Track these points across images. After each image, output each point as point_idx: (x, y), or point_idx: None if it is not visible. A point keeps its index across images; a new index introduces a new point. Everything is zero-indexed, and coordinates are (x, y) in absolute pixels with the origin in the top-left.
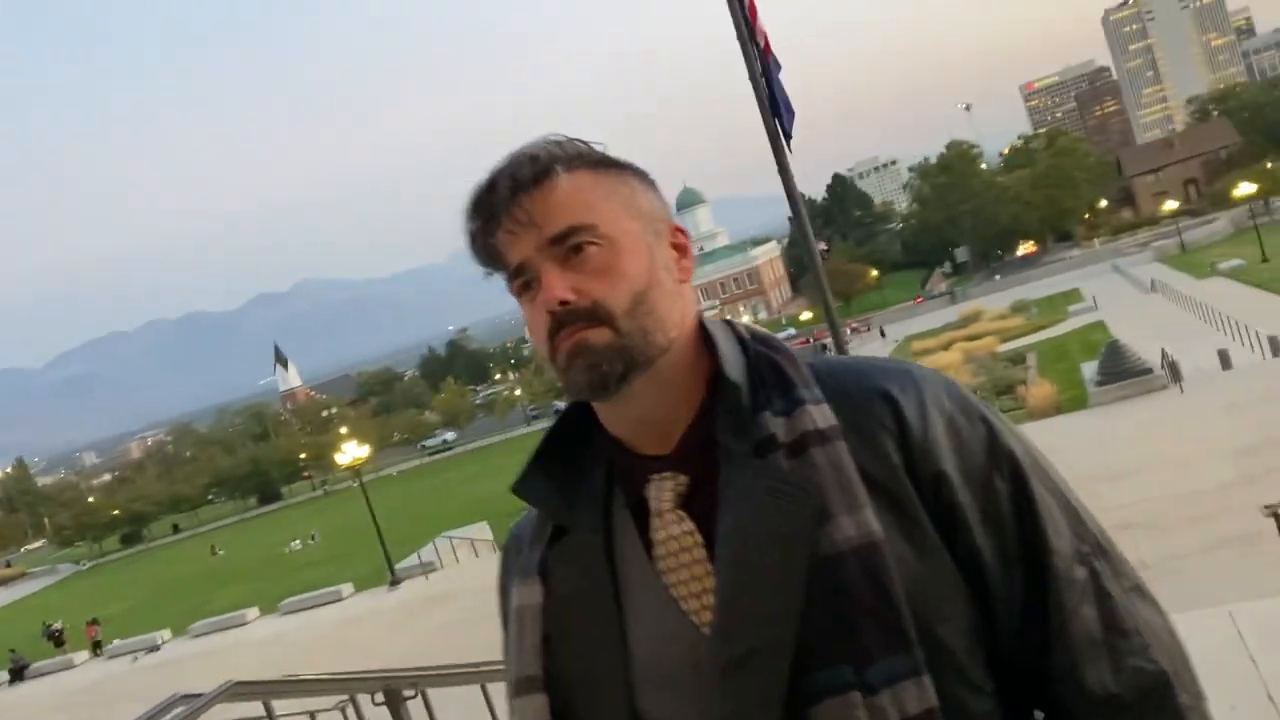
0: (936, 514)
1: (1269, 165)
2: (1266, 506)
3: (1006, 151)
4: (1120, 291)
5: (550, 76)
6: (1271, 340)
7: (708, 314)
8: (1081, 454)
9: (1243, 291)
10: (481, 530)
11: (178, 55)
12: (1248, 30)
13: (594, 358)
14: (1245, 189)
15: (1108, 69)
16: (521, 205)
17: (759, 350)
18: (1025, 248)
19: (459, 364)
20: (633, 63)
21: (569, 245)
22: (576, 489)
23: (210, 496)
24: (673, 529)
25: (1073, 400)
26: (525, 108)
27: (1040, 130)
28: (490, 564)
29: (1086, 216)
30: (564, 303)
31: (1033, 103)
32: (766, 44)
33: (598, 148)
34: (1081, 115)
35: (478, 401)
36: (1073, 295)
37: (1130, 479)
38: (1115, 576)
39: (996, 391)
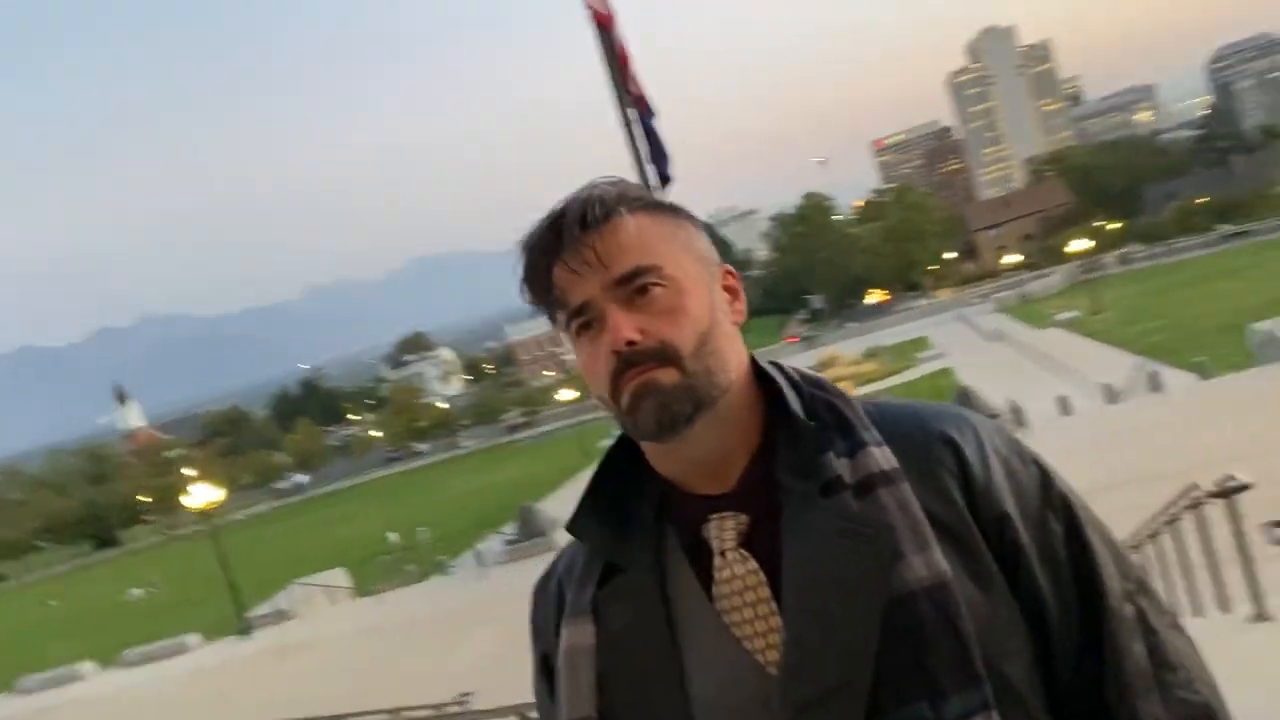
0: (999, 554)
1: (1099, 223)
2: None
3: (859, 204)
4: (966, 339)
5: (410, 116)
6: (1106, 388)
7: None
8: None
9: (1078, 341)
10: (338, 577)
11: None
12: (1076, 98)
13: (664, 397)
14: (1078, 245)
15: (951, 129)
16: (588, 244)
17: (814, 392)
18: (877, 296)
19: (312, 404)
20: (500, 112)
21: (635, 286)
22: (628, 528)
23: (39, 542)
24: (737, 568)
25: None
26: (387, 151)
27: (891, 185)
28: (350, 611)
29: (934, 268)
30: (631, 343)
31: (883, 158)
32: (640, 94)
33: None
34: (928, 172)
35: (333, 443)
36: (921, 343)
37: None
38: (1158, 613)
39: None
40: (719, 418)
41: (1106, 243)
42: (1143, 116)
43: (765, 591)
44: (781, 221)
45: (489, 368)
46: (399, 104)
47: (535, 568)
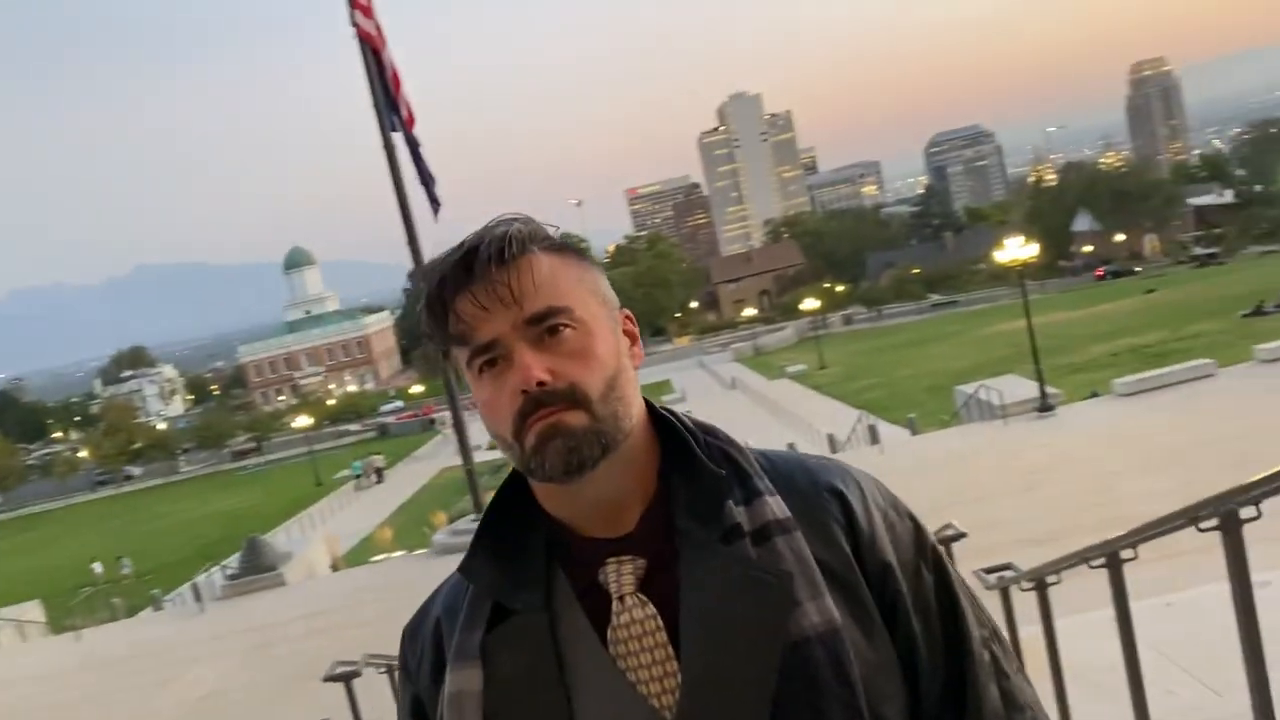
0: (881, 602)
1: (827, 285)
2: None
3: (612, 248)
4: (706, 386)
5: (168, 123)
6: (830, 437)
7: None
8: None
9: (805, 393)
10: (31, 610)
11: None
12: (812, 167)
13: (572, 440)
14: (809, 304)
15: (700, 185)
16: (500, 281)
17: (709, 440)
18: None
19: (9, 418)
20: (254, 116)
21: (545, 326)
22: (518, 570)
23: None
24: (635, 613)
25: None
26: (137, 155)
27: (642, 232)
28: (43, 649)
29: (678, 315)
30: (541, 383)
31: (636, 206)
32: (410, 116)
33: (553, 231)
34: (677, 223)
35: (31, 462)
36: (665, 386)
37: None
38: (1008, 659)
39: None
40: (620, 461)
41: (833, 303)
42: (869, 190)
43: (663, 636)
44: None
45: (216, 388)
46: (141, 92)
47: (261, 604)
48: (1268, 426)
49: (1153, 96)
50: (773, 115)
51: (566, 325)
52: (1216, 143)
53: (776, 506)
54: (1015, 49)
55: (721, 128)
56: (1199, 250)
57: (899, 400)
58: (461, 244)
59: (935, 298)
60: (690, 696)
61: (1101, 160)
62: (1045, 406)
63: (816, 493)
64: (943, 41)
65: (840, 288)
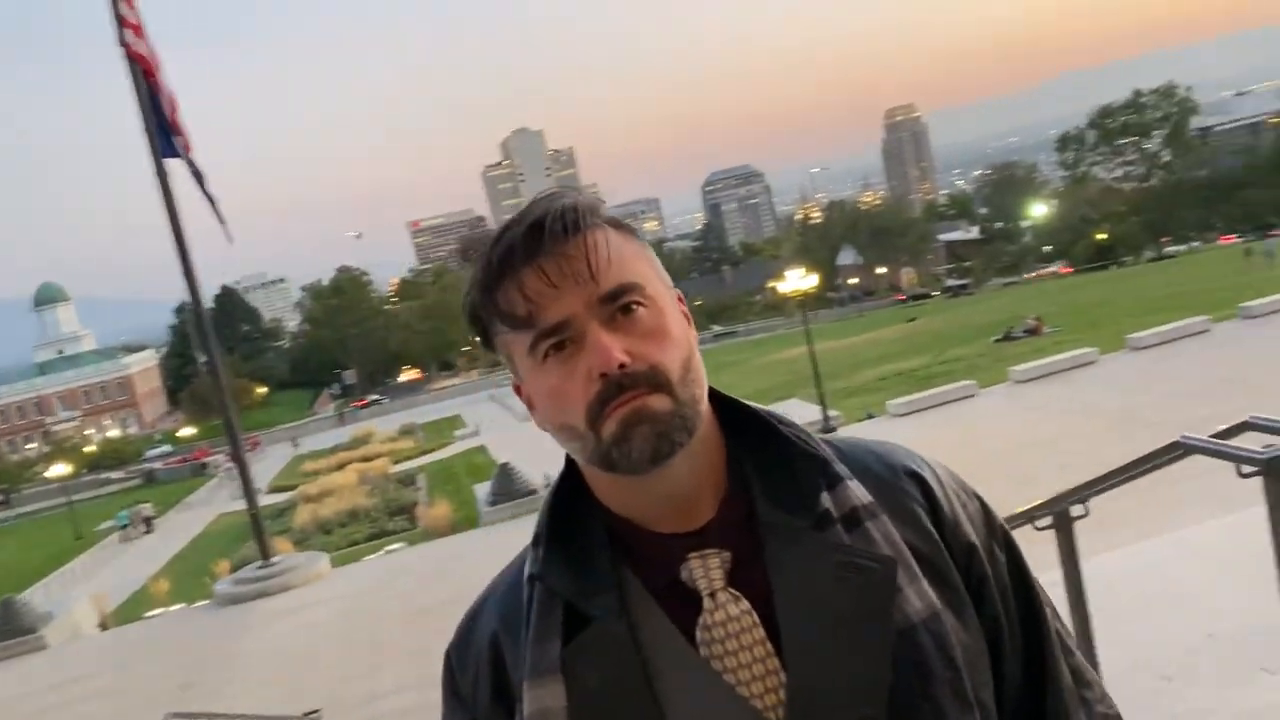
0: (967, 584)
1: None
2: None
3: (396, 282)
4: (499, 419)
5: None
6: None
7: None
8: (479, 569)
9: None
10: None
11: None
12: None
13: (660, 425)
14: None
15: (485, 219)
16: (573, 255)
17: (782, 427)
18: (410, 374)
19: None
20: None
21: (619, 305)
22: (587, 574)
23: None
24: (730, 609)
25: (467, 519)
26: None
27: (428, 265)
28: None
29: (467, 348)
30: (621, 366)
31: (419, 240)
32: (188, 142)
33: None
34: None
35: None
36: (456, 421)
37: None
38: (1069, 636)
39: (391, 512)
40: (695, 448)
41: None
42: (650, 225)
43: (761, 633)
44: (315, 292)
45: None
46: None
47: (17, 670)
48: (1029, 441)
49: (904, 140)
50: (556, 151)
51: (639, 304)
52: (961, 183)
53: (859, 492)
54: (783, 94)
55: (506, 162)
56: (951, 282)
57: None
58: (521, 217)
59: (717, 328)
60: (800, 695)
61: (861, 199)
62: (828, 428)
63: (895, 476)
64: (717, 87)
65: None
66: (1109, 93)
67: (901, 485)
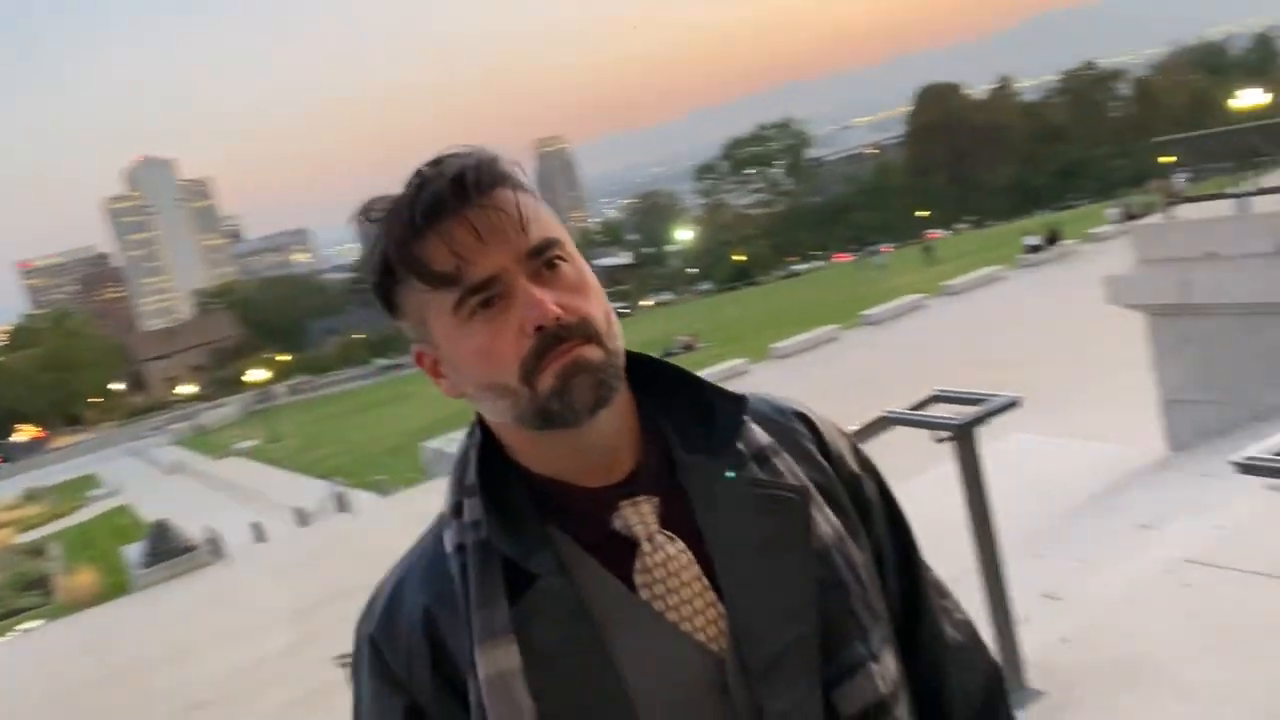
0: (856, 508)
1: (269, 355)
2: (338, 657)
3: (8, 329)
4: (142, 474)
5: None
6: (297, 511)
7: None
8: (138, 639)
9: (260, 469)
10: None
11: None
12: (237, 235)
13: (599, 373)
14: (254, 376)
15: (110, 255)
16: (498, 209)
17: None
18: (30, 432)
19: None
20: None
21: (545, 259)
22: (521, 534)
23: None
24: (668, 548)
25: (115, 586)
26: None
27: (44, 310)
28: None
29: (97, 400)
30: (556, 318)
31: (33, 282)
32: None
33: None
34: (85, 298)
35: None
36: (91, 480)
37: (195, 657)
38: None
39: (23, 587)
40: (615, 401)
41: (279, 374)
42: (300, 257)
43: (697, 569)
44: None
45: None
46: None
47: None
48: None
49: (556, 170)
50: (189, 181)
51: (562, 258)
52: (612, 211)
53: (761, 433)
54: (432, 124)
55: (132, 193)
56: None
57: (363, 464)
58: (437, 171)
59: (382, 361)
60: (740, 624)
61: None
62: None
63: (786, 418)
64: (361, 115)
65: (283, 357)
66: (739, 125)
67: (793, 425)
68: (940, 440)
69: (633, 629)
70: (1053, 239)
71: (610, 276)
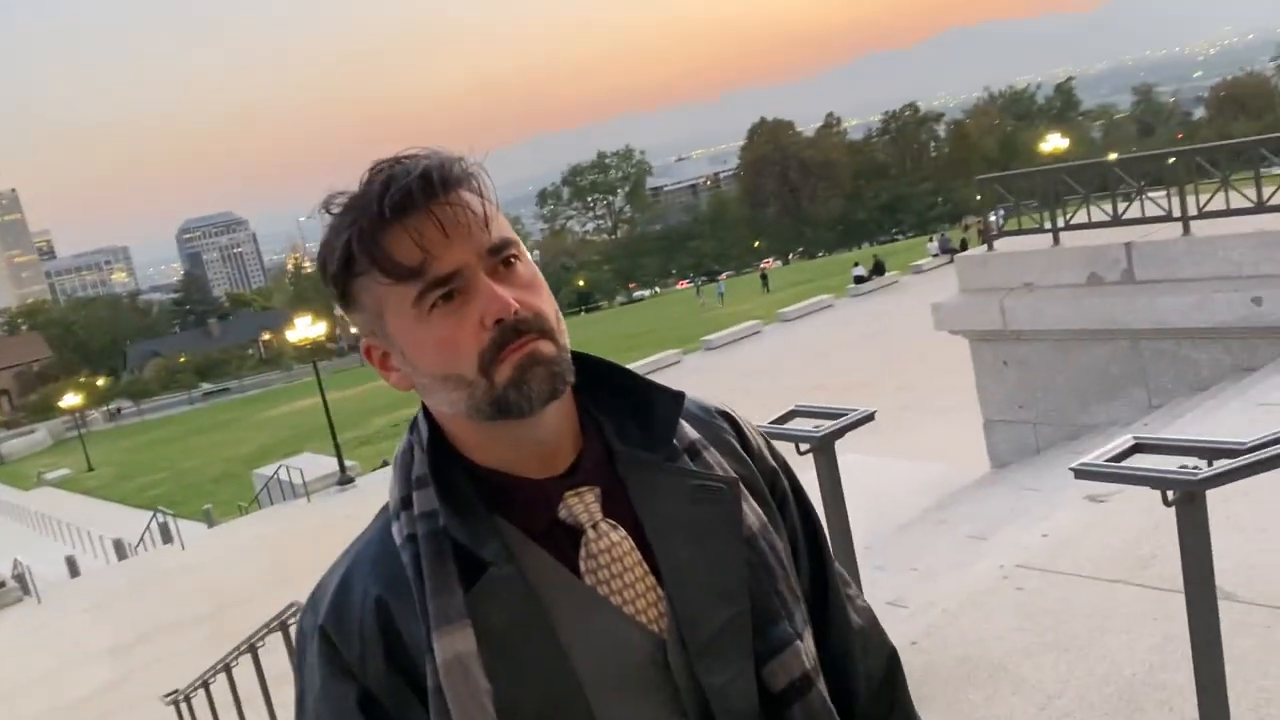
0: (774, 500)
1: (85, 379)
2: (167, 695)
3: None
4: None
5: None
6: (117, 543)
7: None
8: None
9: (75, 499)
10: None
11: None
12: (49, 252)
13: (554, 366)
14: (69, 400)
15: None
16: (463, 206)
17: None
18: None
19: None
20: None
21: (502, 257)
22: (471, 523)
23: None
24: (612, 535)
25: None
26: None
27: None
28: None
29: None
30: (515, 312)
31: None
32: None
33: None
34: None
35: None
36: None
37: (6, 700)
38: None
39: None
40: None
41: (95, 399)
42: (119, 276)
43: (638, 556)
44: None
45: None
46: None
47: None
48: None
49: None
50: None
51: (517, 257)
52: None
53: (690, 429)
54: (261, 142)
55: None
56: None
57: (189, 493)
58: (405, 168)
59: (206, 386)
60: (679, 605)
61: None
62: (346, 479)
63: (711, 416)
64: (190, 130)
65: (100, 381)
66: (581, 153)
67: (717, 423)
68: (804, 452)
69: (579, 613)
70: (879, 270)
71: None
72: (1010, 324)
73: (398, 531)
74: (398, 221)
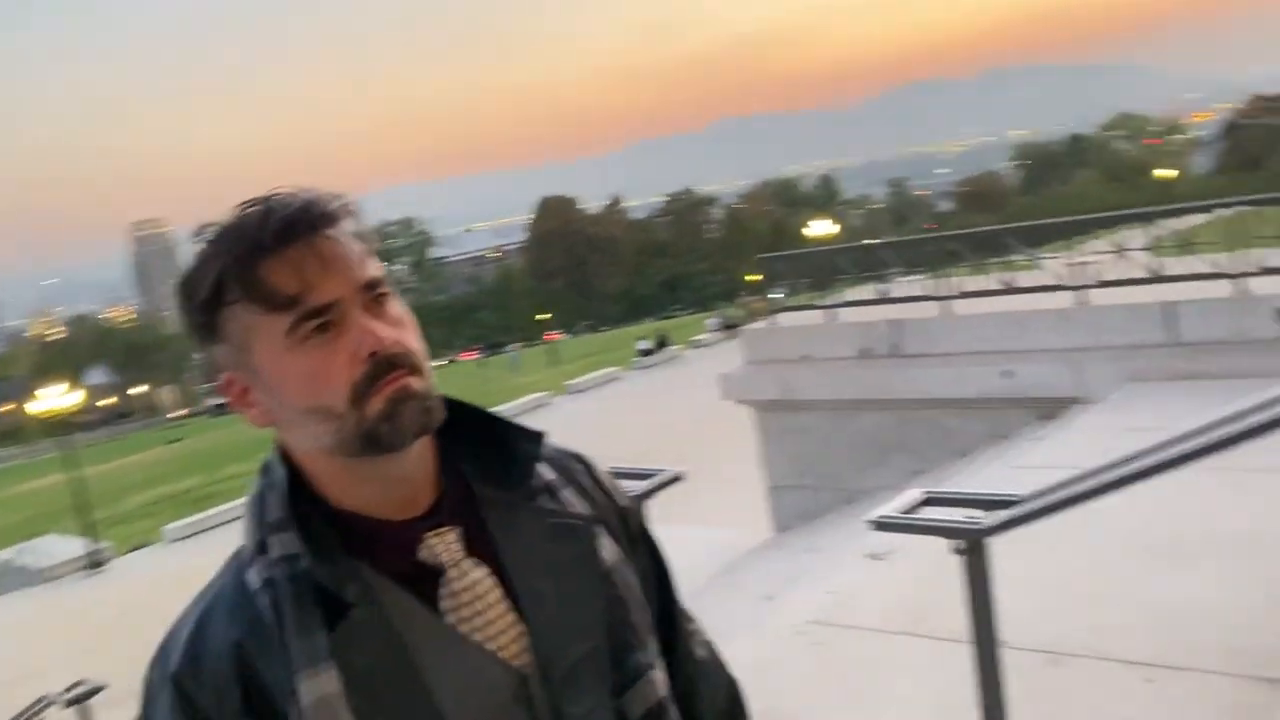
0: (626, 537)
1: None
2: None
3: None
4: None
5: None
6: None
7: None
8: None
9: None
10: None
11: None
12: None
13: (425, 401)
14: None
15: None
16: (342, 240)
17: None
18: None
19: None
20: None
21: (375, 294)
22: (331, 564)
23: None
24: (474, 574)
25: None
26: None
27: None
28: None
29: None
30: (389, 346)
31: None
32: None
33: None
34: None
35: None
36: None
37: None
38: None
39: None
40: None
41: None
42: None
43: (499, 592)
44: None
45: None
46: None
47: None
48: None
49: (155, 255)
50: None
51: (388, 295)
52: None
53: (547, 469)
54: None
55: None
56: (214, 401)
57: None
58: (285, 200)
59: None
60: (541, 640)
61: (109, 314)
62: (96, 562)
63: (566, 459)
64: None
65: None
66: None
67: (572, 465)
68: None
69: (442, 652)
70: (662, 344)
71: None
72: (790, 394)
73: (254, 576)
74: (277, 251)
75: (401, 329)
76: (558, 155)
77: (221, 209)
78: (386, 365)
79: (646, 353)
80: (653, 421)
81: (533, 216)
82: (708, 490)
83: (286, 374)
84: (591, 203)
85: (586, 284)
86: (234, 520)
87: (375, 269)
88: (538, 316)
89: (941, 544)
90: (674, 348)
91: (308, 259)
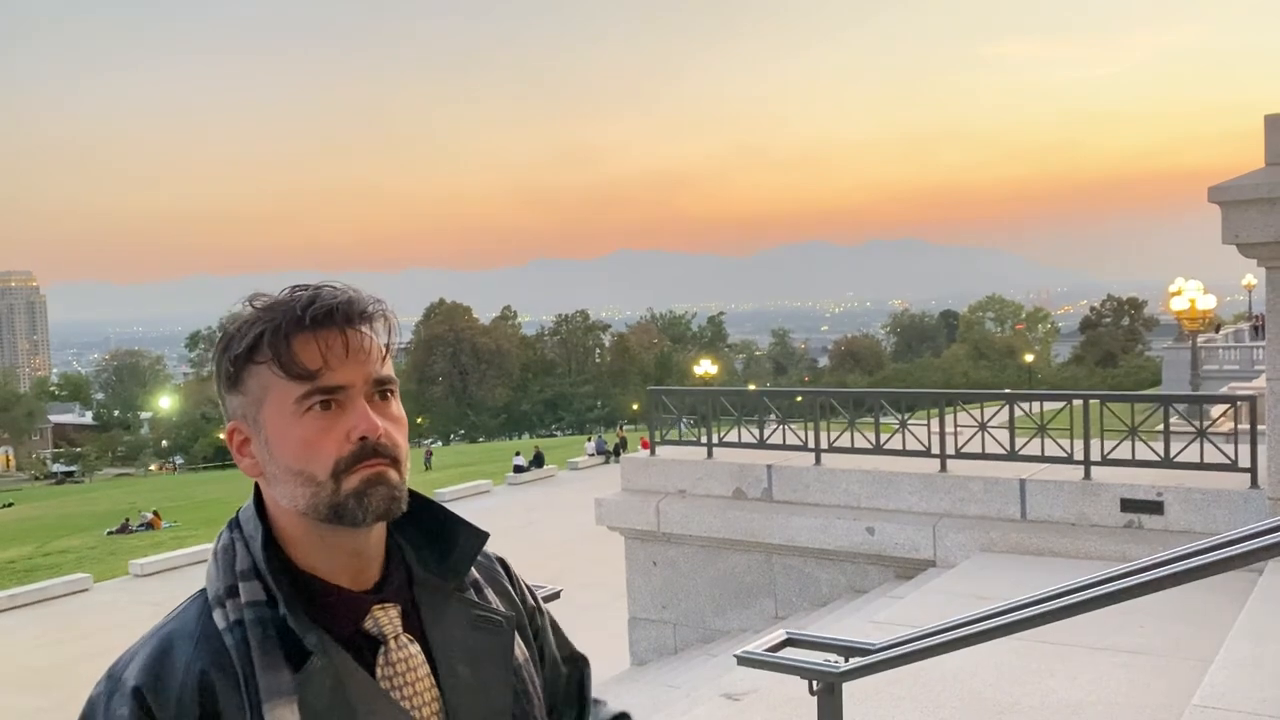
0: (535, 636)
1: None
2: None
3: None
4: None
5: None
6: None
7: None
8: None
9: None
10: None
11: None
12: None
13: (394, 490)
14: None
15: None
16: (368, 335)
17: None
18: None
19: None
20: None
21: (383, 390)
22: (295, 614)
23: None
24: (408, 649)
25: None
26: None
27: None
28: None
29: None
30: (379, 436)
31: None
32: None
33: None
34: None
35: None
36: None
37: None
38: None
39: None
40: None
41: None
42: None
43: (427, 668)
44: None
45: None
46: None
47: None
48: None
49: (17, 309)
50: None
51: (394, 394)
52: (76, 364)
53: (474, 567)
54: None
55: None
56: (58, 467)
57: None
58: (334, 291)
59: None
60: (454, 715)
61: None
62: None
63: (490, 561)
64: None
65: None
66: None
67: (494, 566)
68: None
69: (377, 710)
70: (539, 461)
71: (62, 435)
72: (663, 526)
73: (221, 617)
74: (312, 330)
75: (396, 425)
76: (458, 263)
77: (96, 268)
78: (371, 451)
79: (521, 469)
80: (517, 541)
81: (423, 319)
82: (567, 617)
83: (286, 436)
84: (485, 313)
85: (468, 393)
86: (59, 596)
87: (389, 369)
88: (415, 420)
89: (796, 690)
90: (550, 466)
91: (334, 344)
